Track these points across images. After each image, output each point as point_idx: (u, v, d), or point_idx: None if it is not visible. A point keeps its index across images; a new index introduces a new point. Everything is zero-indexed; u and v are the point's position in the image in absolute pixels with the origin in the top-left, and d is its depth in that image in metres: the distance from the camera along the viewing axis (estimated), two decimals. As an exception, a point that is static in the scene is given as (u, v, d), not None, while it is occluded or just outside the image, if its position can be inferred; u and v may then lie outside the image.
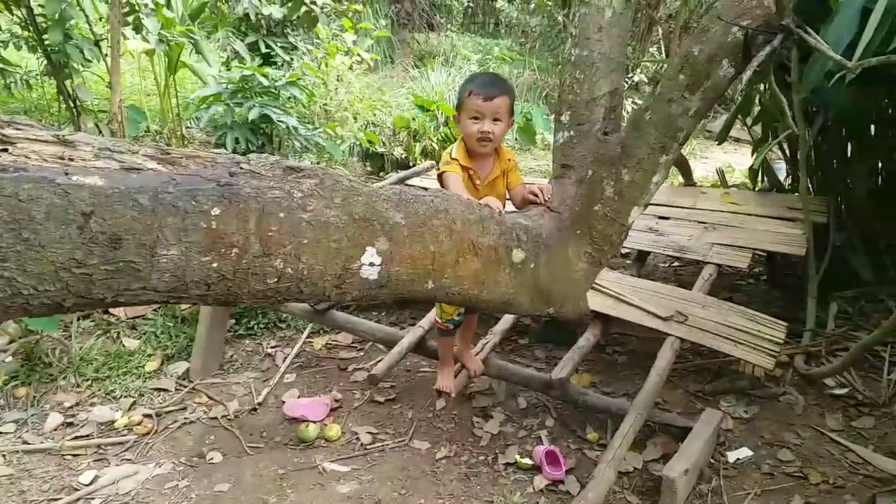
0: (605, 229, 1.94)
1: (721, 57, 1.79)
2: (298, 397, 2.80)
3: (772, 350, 2.55)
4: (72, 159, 1.23)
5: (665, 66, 6.41)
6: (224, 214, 1.26)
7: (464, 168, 2.16)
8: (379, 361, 2.75)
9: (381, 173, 6.52)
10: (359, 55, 6.99)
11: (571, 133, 2.08)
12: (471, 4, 14.73)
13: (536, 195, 2.04)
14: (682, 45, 1.91)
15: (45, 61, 3.66)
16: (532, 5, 11.45)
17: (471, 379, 2.65)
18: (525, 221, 1.87)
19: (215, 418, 2.68)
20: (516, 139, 7.68)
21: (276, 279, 1.35)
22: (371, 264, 1.46)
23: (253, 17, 6.15)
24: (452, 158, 2.16)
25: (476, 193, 2.18)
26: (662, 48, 10.10)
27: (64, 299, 1.19)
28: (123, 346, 3.10)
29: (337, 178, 1.45)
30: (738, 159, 7.08)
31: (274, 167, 1.37)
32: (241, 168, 1.33)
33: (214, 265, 1.28)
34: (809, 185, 3.51)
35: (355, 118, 6.62)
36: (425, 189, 2.13)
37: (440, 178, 2.17)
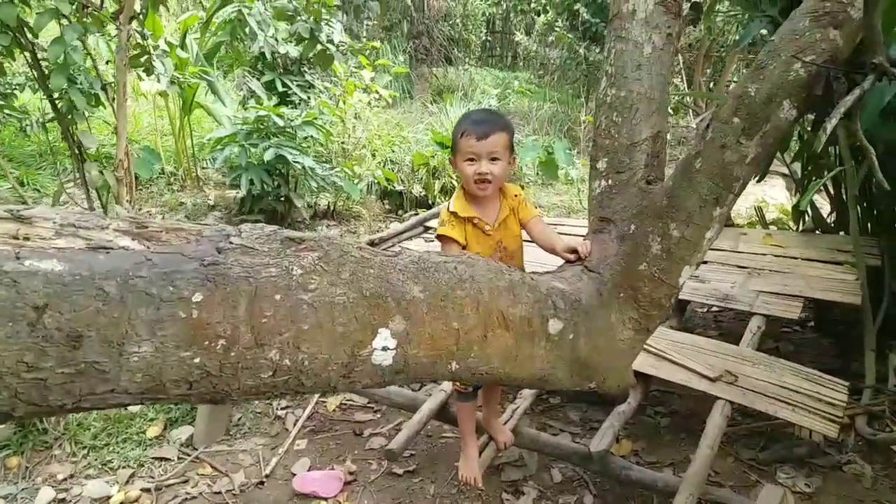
0: (651, 292, 1.70)
1: (781, 97, 1.57)
2: (309, 468, 2.56)
3: (834, 415, 2.28)
4: (27, 238, 1.04)
5: (715, 104, 6.18)
6: (208, 301, 1.06)
7: (466, 219, 1.95)
8: (397, 428, 2.52)
9: (400, 211, 6.34)
10: (377, 92, 6.88)
11: (610, 182, 1.86)
12: (488, 38, 14.73)
13: (576, 252, 1.81)
14: (737, 85, 1.69)
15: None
16: (551, 38, 11.37)
17: (499, 451, 2.39)
18: (561, 285, 1.64)
19: (219, 493, 2.45)
20: (538, 174, 7.48)
21: (270, 373, 1.13)
22: (384, 348, 1.24)
23: (269, 56, 6.06)
24: (451, 213, 1.95)
25: (487, 240, 1.97)
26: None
27: (13, 408, 0.99)
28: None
29: (344, 248, 1.24)
30: (773, 193, 6.80)
31: (270, 239, 1.17)
32: (230, 243, 1.13)
33: (196, 361, 1.07)
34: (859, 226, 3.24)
35: (373, 155, 6.48)
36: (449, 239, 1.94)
37: (439, 239, 1.99)
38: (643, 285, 1.70)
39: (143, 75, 4.43)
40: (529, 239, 2.08)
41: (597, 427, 2.76)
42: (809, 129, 3.46)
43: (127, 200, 3.54)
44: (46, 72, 3.38)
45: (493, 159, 1.89)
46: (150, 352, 1.03)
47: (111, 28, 3.86)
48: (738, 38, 9.45)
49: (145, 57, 4.12)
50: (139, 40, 4.04)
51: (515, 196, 2.05)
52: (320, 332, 1.15)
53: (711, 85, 10.35)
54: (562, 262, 1.90)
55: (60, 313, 0.96)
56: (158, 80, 4.55)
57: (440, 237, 1.97)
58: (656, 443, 2.69)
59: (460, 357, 1.38)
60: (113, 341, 1.00)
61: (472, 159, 1.89)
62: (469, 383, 2.14)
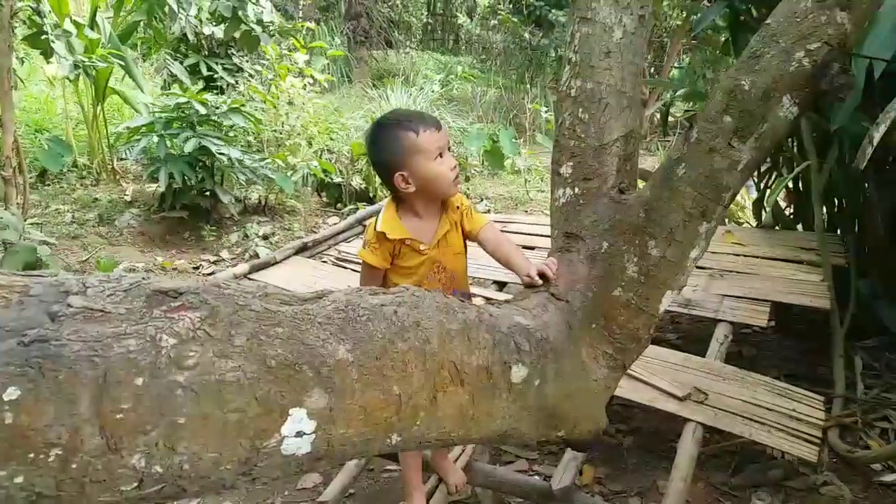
0: (628, 322, 1.43)
1: (781, 92, 1.32)
2: (233, 515, 2.23)
3: (812, 435, 2.09)
4: None
5: (661, 92, 5.99)
6: (30, 397, 0.73)
7: (399, 242, 1.66)
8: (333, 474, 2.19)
9: (339, 205, 5.96)
10: (312, 76, 6.45)
11: (577, 191, 1.58)
12: (430, 21, 14.35)
13: (544, 274, 1.51)
14: (726, 76, 1.42)
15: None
16: (494, 22, 11.08)
17: (451, 494, 2.10)
18: (525, 321, 1.35)
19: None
20: (484, 164, 7.20)
21: (135, 484, 0.81)
22: (299, 434, 0.93)
23: (192, 37, 5.58)
24: (378, 233, 1.66)
25: (423, 261, 1.69)
26: (651, 70, 9.74)
27: None
28: None
29: (240, 300, 0.91)
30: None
31: (129, 296, 0.84)
32: (69, 305, 0.79)
33: (18, 480, 0.74)
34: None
35: (309, 144, 6.06)
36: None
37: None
38: (618, 314, 1.44)
39: (48, 58, 3.94)
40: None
41: (554, 451, 2.53)
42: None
43: (19, 203, 3.08)
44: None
45: (448, 150, 1.65)
46: (-56, 476, 0.70)
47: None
48: (679, 22, 9.38)
49: (43, 37, 3.64)
50: (36, 19, 3.57)
51: (458, 207, 1.75)
52: (204, 425, 0.83)
53: (651, 70, 10.25)
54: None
55: None
56: (60, 64, 4.04)
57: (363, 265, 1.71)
58: (620, 467, 2.45)
59: (402, 428, 1.07)
60: None
61: (441, 155, 1.62)
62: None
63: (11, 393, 0.71)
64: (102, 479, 0.78)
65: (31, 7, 3.32)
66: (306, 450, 0.94)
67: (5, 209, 2.81)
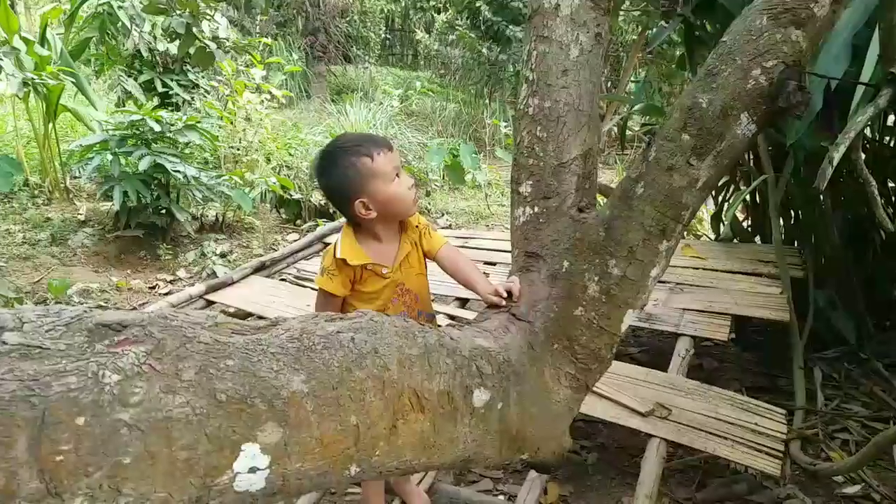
0: (590, 341, 1.42)
1: (738, 110, 1.33)
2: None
3: (774, 449, 2.11)
4: None
5: (618, 107, 6.07)
6: (-42, 441, 0.68)
7: (360, 268, 1.62)
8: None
9: (298, 221, 5.88)
10: (269, 92, 6.38)
11: (536, 210, 1.57)
12: (388, 36, 14.37)
13: (503, 297, 1.50)
14: (684, 94, 1.44)
15: None
16: (452, 37, 11.14)
17: (413, 519, 2.06)
18: (486, 343, 1.33)
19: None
20: (444, 178, 7.21)
21: (76, 530, 0.76)
22: (252, 469, 0.89)
23: (146, 54, 5.48)
24: (338, 260, 1.61)
25: (385, 284, 1.66)
26: (608, 84, 9.87)
27: None
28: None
29: (188, 332, 0.87)
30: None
31: (70, 330, 0.79)
32: (3, 343, 0.75)
33: (-54, 532, 0.68)
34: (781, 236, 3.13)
35: (268, 160, 5.98)
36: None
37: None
38: (580, 334, 1.43)
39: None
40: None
41: (519, 469, 2.51)
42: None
43: (-37, 224, 2.96)
44: None
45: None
46: None
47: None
48: (635, 37, 9.54)
49: (-11, 54, 3.53)
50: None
51: (416, 226, 1.73)
52: (151, 465, 0.79)
53: (608, 85, 10.40)
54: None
55: None
56: (8, 81, 3.92)
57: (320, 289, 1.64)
58: (585, 485, 2.44)
59: (361, 459, 1.04)
60: None
61: (398, 175, 1.59)
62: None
63: (-62, 439, 0.66)
64: (40, 527, 0.74)
65: (-25, 23, 3.21)
66: (260, 486, 0.90)
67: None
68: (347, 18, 12.63)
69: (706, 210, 4.68)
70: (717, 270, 3.18)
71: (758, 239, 3.67)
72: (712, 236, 4.03)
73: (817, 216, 3.14)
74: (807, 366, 2.90)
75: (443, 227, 5.73)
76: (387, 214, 1.62)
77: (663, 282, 3.10)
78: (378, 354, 1.08)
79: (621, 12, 6.60)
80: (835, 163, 1.21)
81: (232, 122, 5.88)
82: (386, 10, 13.71)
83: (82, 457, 0.75)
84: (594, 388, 2.29)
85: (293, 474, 0.94)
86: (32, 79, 4.31)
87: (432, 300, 1.86)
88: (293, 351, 0.97)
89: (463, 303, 3.19)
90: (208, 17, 4.66)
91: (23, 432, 0.71)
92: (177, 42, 5.52)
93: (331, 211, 5.83)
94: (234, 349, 0.90)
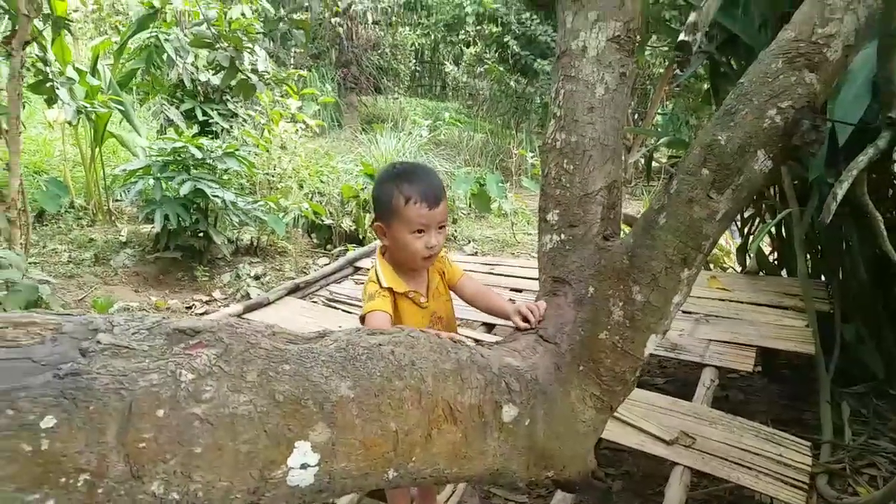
0: (614, 364, 1.50)
1: (755, 147, 1.41)
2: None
3: (799, 481, 2.13)
4: None
5: (644, 139, 6.15)
6: (64, 426, 0.79)
7: (401, 295, 1.69)
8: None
9: (329, 246, 6.03)
10: (303, 121, 6.59)
11: (562, 237, 1.66)
12: (417, 68, 14.66)
13: (527, 319, 1.59)
14: (703, 132, 1.53)
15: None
16: (480, 70, 11.35)
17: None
18: (515, 362, 1.42)
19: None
20: (471, 206, 7.33)
21: (152, 511, 0.86)
22: (304, 466, 0.98)
23: (188, 84, 5.71)
24: (384, 288, 1.66)
25: (423, 313, 1.74)
26: (635, 117, 9.99)
27: None
28: None
29: (251, 339, 0.98)
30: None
31: (152, 334, 0.90)
32: (98, 342, 0.85)
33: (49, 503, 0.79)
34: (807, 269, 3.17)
35: (301, 186, 6.16)
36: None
37: (363, 320, 1.66)
38: (605, 357, 1.50)
39: (49, 103, 4.05)
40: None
41: (544, 495, 2.56)
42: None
43: (21, 244, 3.14)
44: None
45: (441, 227, 1.66)
46: (-24, 501, 0.75)
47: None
48: (661, 70, 9.67)
49: (48, 84, 3.74)
50: (42, 67, 3.68)
51: (441, 257, 1.82)
52: (218, 455, 0.89)
53: (635, 117, 10.50)
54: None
55: None
56: (63, 109, 4.14)
57: (366, 319, 1.64)
58: (609, 510, 2.49)
59: (399, 464, 1.13)
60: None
61: (420, 231, 1.62)
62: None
63: (48, 421, 0.77)
64: (122, 507, 0.84)
65: (37, 56, 3.43)
66: (309, 482, 1.00)
67: (9, 249, 2.86)
68: (379, 51, 12.95)
69: (732, 243, 4.72)
70: (742, 302, 3.22)
71: (784, 272, 3.70)
72: (738, 269, 4.07)
73: (844, 250, 3.18)
74: (834, 400, 2.91)
75: (469, 255, 5.82)
76: (393, 251, 1.70)
77: (688, 312, 3.16)
78: (415, 367, 1.17)
79: (647, 47, 6.74)
80: (839, 198, 1.28)
81: (268, 150, 6.09)
82: (416, 44, 14.02)
83: (161, 445, 0.85)
84: (619, 416, 2.37)
85: (339, 473, 1.03)
86: (85, 107, 4.54)
87: (458, 325, 1.95)
88: (340, 360, 1.07)
89: (489, 328, 3.27)
90: (249, 50, 4.88)
91: (113, 420, 0.82)
92: (217, 73, 5.76)
93: (360, 237, 5.98)
94: (290, 355, 1.00)
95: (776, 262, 3.79)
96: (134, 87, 6.97)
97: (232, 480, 0.91)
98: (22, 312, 0.89)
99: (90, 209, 5.84)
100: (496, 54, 10.73)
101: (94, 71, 5.34)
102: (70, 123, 4.72)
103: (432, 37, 14.07)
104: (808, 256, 3.37)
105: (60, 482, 0.79)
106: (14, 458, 0.76)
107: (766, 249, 3.93)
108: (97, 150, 5.61)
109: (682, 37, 1.78)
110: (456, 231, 6.77)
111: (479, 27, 11.05)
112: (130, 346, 0.87)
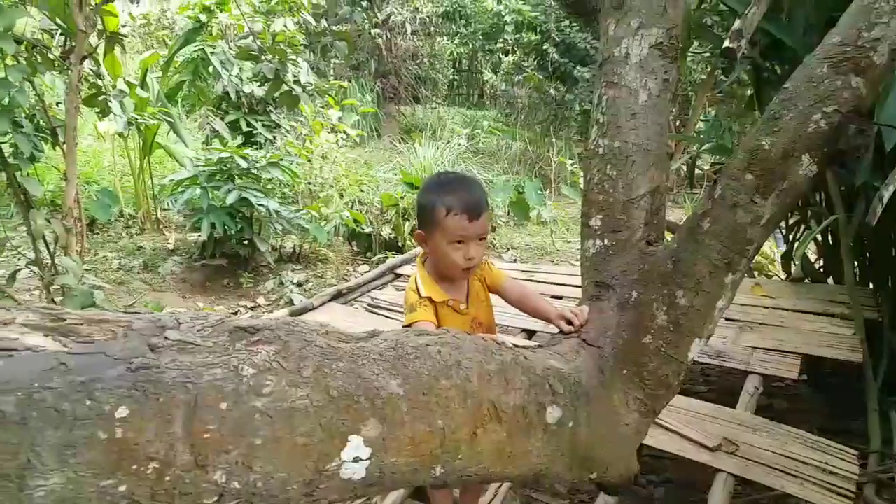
0: (658, 368, 1.51)
1: (800, 152, 1.41)
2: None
3: (845, 489, 2.10)
4: None
5: (686, 146, 6.11)
6: (136, 416, 0.84)
7: (441, 304, 1.72)
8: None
9: (369, 254, 6.11)
10: (344, 131, 6.71)
11: (606, 242, 1.68)
12: (455, 77, 14.74)
13: (570, 321, 1.61)
14: (748, 136, 1.53)
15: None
16: (519, 78, 11.37)
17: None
18: (558, 364, 1.44)
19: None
20: (509, 214, 7.35)
21: (215, 498, 0.91)
22: (356, 459, 1.02)
23: (233, 96, 5.87)
24: (424, 297, 1.69)
25: (463, 319, 1.76)
26: (677, 123, 9.88)
27: None
28: None
29: (307, 337, 1.02)
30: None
31: (215, 331, 0.95)
32: (166, 338, 0.91)
33: (122, 489, 0.84)
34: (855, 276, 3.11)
35: (341, 195, 6.27)
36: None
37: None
38: (648, 361, 1.51)
39: (101, 115, 4.21)
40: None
41: (585, 499, 2.56)
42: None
43: (77, 251, 3.27)
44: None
45: (481, 240, 1.67)
46: (61, 483, 0.81)
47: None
48: (704, 77, 9.55)
49: (101, 97, 3.89)
50: (96, 80, 3.83)
51: (481, 264, 1.84)
52: (277, 447, 0.93)
53: (677, 124, 10.38)
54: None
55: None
56: (115, 121, 4.31)
57: (410, 325, 1.67)
58: (651, 517, 2.48)
59: (446, 461, 1.16)
60: (9, 474, 0.78)
61: (460, 241, 1.64)
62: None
63: (122, 411, 0.82)
64: (189, 492, 0.88)
65: (91, 70, 3.58)
66: (361, 475, 1.03)
67: (66, 256, 2.99)
68: (417, 61, 13.08)
69: (777, 250, 4.65)
70: (787, 310, 3.18)
71: (830, 279, 3.63)
72: (783, 276, 4.01)
73: (893, 256, 3.11)
74: (882, 409, 2.85)
75: (508, 262, 5.84)
76: (434, 260, 1.73)
77: (732, 320, 3.12)
78: (461, 367, 1.21)
79: (689, 53, 6.68)
80: (885, 200, 1.27)
81: (309, 160, 6.21)
82: (455, 53, 14.11)
83: (224, 436, 0.89)
84: (662, 422, 2.36)
85: (389, 467, 1.07)
86: (135, 118, 4.71)
87: (498, 331, 1.97)
88: (391, 358, 1.10)
89: (530, 335, 3.28)
90: (293, 62, 5.00)
91: (180, 412, 0.87)
92: (262, 85, 5.91)
93: (399, 244, 6.05)
94: (343, 353, 1.04)
95: (822, 270, 3.72)
96: (180, 100, 7.20)
97: (289, 472, 0.95)
98: (95, 311, 0.95)
99: (139, 218, 6.03)
100: (535, 62, 10.73)
101: (143, 84, 5.53)
102: (121, 135, 4.90)
103: (471, 46, 14.14)
104: (856, 263, 3.31)
105: (132, 469, 0.84)
106: (91, 446, 0.82)
107: (812, 257, 3.86)
108: (146, 160, 5.79)
109: (726, 43, 1.78)
110: (495, 239, 6.80)
111: (517, 35, 11.06)
112: (196, 343, 0.92)
